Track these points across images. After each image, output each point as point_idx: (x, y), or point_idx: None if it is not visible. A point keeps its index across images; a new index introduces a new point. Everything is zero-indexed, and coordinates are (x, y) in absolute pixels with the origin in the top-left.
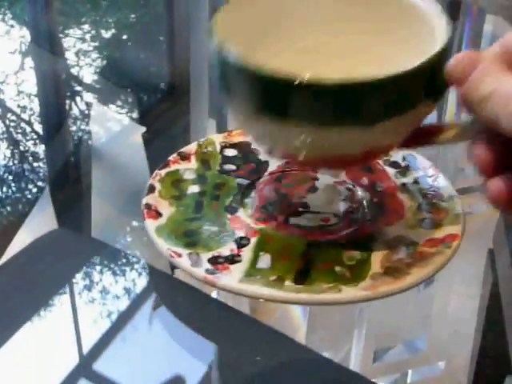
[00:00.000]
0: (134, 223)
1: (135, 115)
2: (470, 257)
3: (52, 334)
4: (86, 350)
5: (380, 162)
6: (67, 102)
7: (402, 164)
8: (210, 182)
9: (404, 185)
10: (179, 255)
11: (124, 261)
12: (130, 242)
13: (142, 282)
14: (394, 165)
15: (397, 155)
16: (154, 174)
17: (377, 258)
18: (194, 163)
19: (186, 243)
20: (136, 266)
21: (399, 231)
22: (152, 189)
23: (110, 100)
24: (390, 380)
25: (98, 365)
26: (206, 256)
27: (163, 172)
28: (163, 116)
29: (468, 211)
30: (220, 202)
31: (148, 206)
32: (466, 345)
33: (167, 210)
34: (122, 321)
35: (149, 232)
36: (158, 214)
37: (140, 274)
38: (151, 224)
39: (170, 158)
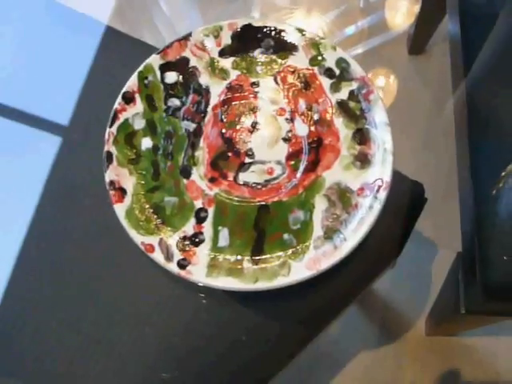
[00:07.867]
0: None
1: None
2: None
3: None
4: None
5: (316, 69)
6: None
7: (337, 72)
8: (159, 131)
9: (340, 104)
10: (152, 248)
11: None
12: None
13: None
14: (329, 73)
15: (330, 58)
16: (107, 136)
17: (318, 217)
18: (139, 105)
19: (155, 225)
20: None
21: (336, 176)
22: (110, 157)
23: None
24: None
25: None
26: (174, 241)
27: (114, 129)
28: None
29: None
30: (174, 162)
31: (112, 184)
32: None
33: (129, 182)
34: None
35: (120, 219)
36: (123, 193)
37: None
38: (120, 209)
39: (116, 105)
